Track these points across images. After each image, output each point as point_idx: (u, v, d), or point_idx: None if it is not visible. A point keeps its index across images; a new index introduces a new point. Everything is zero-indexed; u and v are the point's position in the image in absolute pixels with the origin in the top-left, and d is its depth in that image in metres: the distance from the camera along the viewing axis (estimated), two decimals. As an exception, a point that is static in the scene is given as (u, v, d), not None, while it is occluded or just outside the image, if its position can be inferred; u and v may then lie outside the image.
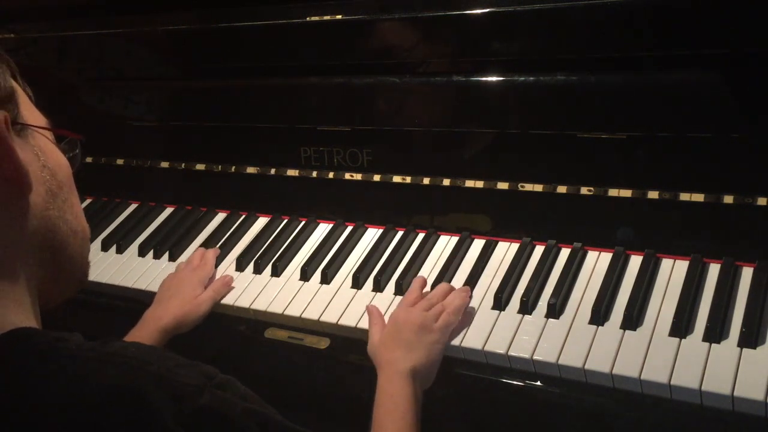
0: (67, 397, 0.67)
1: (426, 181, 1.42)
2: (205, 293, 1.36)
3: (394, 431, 1.03)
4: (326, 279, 1.37)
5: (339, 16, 1.38)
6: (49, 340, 0.71)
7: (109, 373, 0.68)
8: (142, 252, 1.57)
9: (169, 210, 1.70)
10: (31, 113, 0.79)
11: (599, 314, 1.15)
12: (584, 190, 1.29)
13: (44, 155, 0.78)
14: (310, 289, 1.36)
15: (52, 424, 0.66)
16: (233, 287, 1.40)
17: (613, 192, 1.26)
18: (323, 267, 1.39)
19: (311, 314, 1.30)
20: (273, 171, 1.57)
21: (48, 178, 0.77)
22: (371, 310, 1.24)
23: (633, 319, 1.13)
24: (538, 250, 1.33)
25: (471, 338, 1.18)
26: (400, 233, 1.45)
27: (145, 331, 1.27)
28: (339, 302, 1.31)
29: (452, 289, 1.25)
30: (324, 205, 1.54)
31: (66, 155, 0.83)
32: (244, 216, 1.61)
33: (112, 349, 0.71)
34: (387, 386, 1.08)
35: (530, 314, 1.20)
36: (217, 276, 1.43)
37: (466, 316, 1.21)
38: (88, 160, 1.79)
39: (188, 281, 1.38)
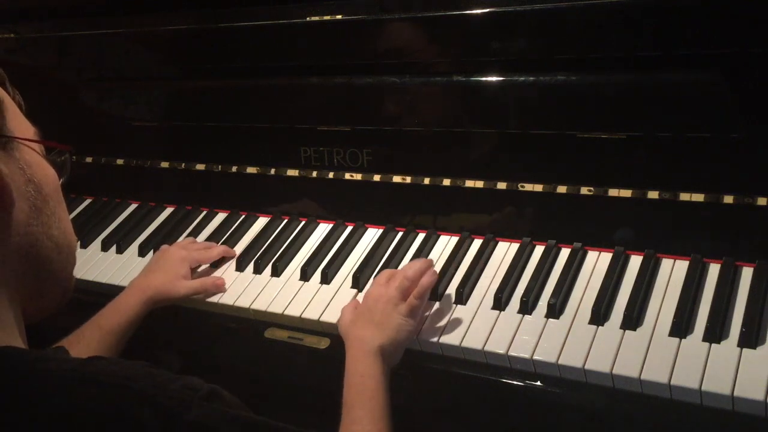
0: (50, 419, 0.66)
1: (426, 181, 1.42)
2: (191, 282, 1.38)
3: (364, 411, 1.02)
4: (326, 279, 1.37)
5: (339, 16, 1.38)
6: (29, 360, 0.69)
7: (93, 394, 0.67)
8: (142, 252, 1.57)
9: (169, 210, 1.70)
10: (18, 124, 0.76)
11: (599, 314, 1.15)
12: (584, 190, 1.29)
13: (30, 168, 0.75)
14: (310, 289, 1.36)
15: None
16: (225, 291, 1.40)
17: (613, 192, 1.26)
18: (323, 267, 1.39)
19: (311, 314, 1.30)
20: (273, 171, 1.57)
21: (33, 193, 0.75)
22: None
23: (633, 319, 1.13)
24: (538, 250, 1.33)
25: (471, 338, 1.18)
26: (400, 233, 1.45)
27: (130, 299, 1.31)
28: (339, 302, 1.31)
29: (424, 265, 1.21)
30: (324, 205, 1.54)
31: (55, 162, 0.81)
32: (244, 216, 1.61)
33: (95, 368, 0.70)
34: (357, 366, 1.09)
35: (530, 314, 1.20)
36: (215, 275, 1.44)
37: (467, 315, 1.21)
38: (88, 160, 1.79)
39: (176, 258, 1.41)
